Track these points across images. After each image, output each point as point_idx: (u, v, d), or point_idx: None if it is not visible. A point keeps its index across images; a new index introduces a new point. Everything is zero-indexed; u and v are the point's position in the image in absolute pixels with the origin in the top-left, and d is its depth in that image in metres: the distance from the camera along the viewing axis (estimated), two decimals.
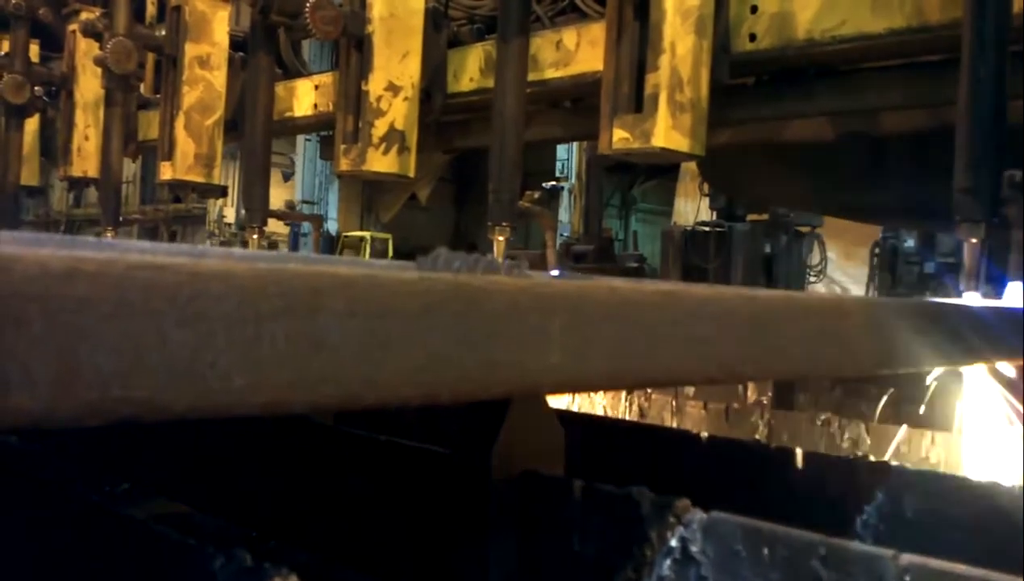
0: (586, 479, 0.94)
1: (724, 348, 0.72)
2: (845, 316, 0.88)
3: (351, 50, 2.53)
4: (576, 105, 2.61)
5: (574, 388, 0.69)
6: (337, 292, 0.46)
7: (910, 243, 8.65)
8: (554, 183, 14.10)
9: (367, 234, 17.67)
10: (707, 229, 9.67)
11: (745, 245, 9.63)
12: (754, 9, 2.03)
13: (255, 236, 2.41)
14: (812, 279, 15.92)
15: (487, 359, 0.53)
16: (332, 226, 19.05)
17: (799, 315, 0.80)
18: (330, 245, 18.78)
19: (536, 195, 2.23)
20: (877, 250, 10.05)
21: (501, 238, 1.84)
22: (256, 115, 2.55)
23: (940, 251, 7.78)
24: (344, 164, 2.56)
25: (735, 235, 9.52)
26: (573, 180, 13.69)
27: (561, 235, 17.52)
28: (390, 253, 18.25)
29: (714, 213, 9.41)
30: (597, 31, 2.30)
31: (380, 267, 0.61)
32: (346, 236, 18.36)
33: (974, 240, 1.29)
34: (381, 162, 2.53)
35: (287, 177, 19.14)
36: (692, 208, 12.12)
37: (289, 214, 11.13)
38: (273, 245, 19.79)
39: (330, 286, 0.46)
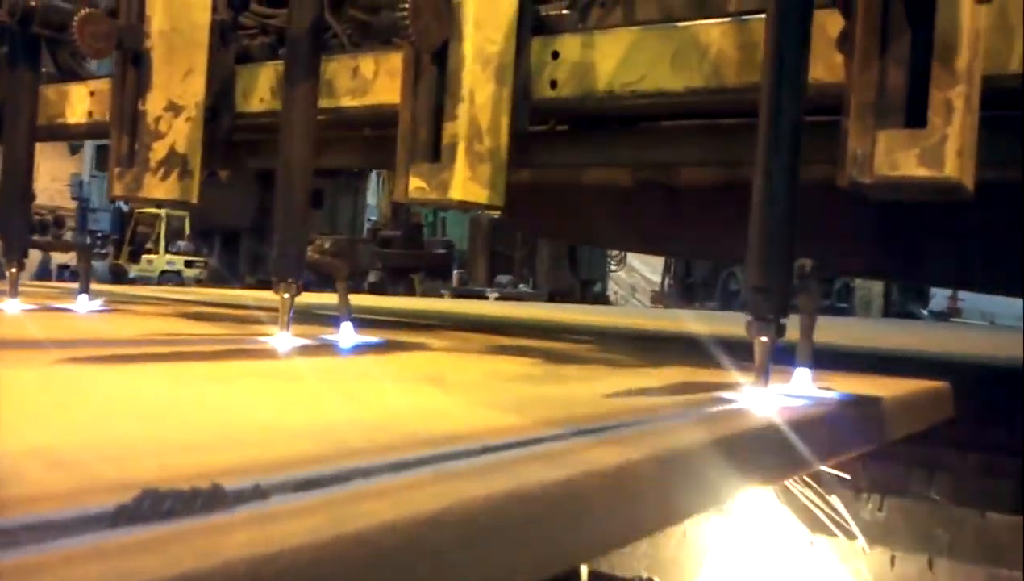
0: None
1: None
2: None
3: (127, 65, 2.31)
4: (376, 134, 2.50)
5: None
6: None
7: None
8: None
9: (163, 212, 16.82)
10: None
11: None
12: (555, 55, 1.98)
13: (13, 269, 2.17)
14: (613, 267, 16.40)
15: None
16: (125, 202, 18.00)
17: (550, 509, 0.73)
18: (121, 222, 17.80)
19: (327, 244, 2.11)
20: None
21: (287, 295, 1.71)
22: (17, 135, 2.30)
23: None
24: (118, 189, 2.34)
25: None
26: None
27: (369, 220, 17.27)
28: (187, 230, 17.48)
29: None
30: (396, 61, 2.19)
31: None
32: (140, 213, 17.40)
33: (764, 339, 1.28)
34: (160, 188, 2.33)
35: (75, 149, 17.98)
36: None
37: (54, 244, 10.37)
38: (60, 221, 18.57)
39: None
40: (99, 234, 17.09)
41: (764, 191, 1.31)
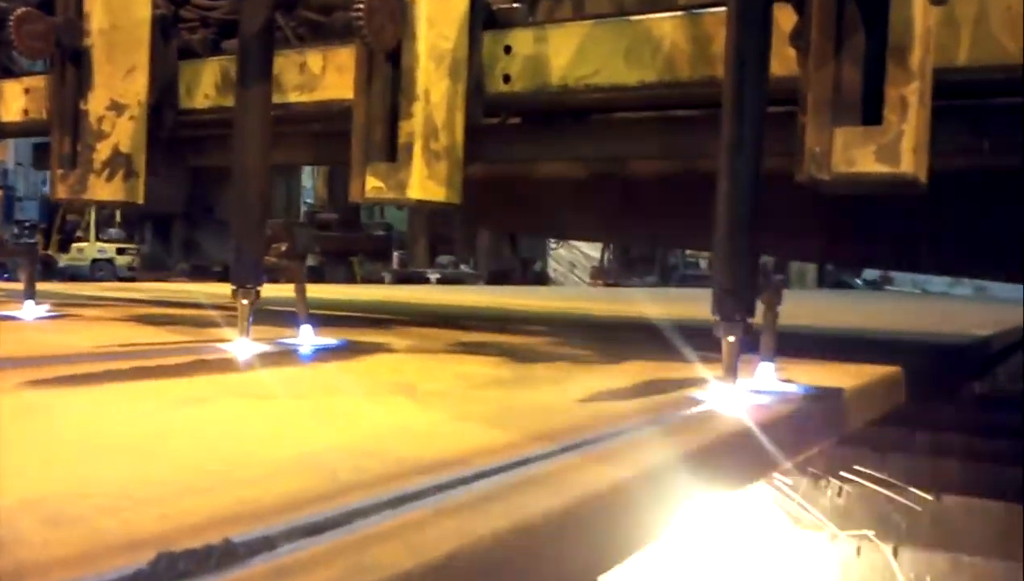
0: None
1: None
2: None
3: (66, 64, 2.25)
4: (325, 129, 2.47)
5: None
6: None
7: None
8: None
9: None
10: None
11: None
12: (508, 49, 1.97)
13: None
14: (554, 246, 16.44)
15: None
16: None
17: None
18: (50, 211, 17.37)
19: (283, 247, 2.07)
20: None
21: (245, 302, 1.69)
22: None
23: None
24: (62, 191, 2.29)
25: None
26: None
27: (306, 202, 17.08)
28: (118, 218, 17.12)
29: None
30: (345, 56, 2.16)
31: None
32: (68, 201, 16.92)
33: (732, 339, 1.29)
34: (104, 189, 2.28)
35: None
36: None
37: None
38: None
39: None
40: (26, 223, 16.68)
41: (728, 193, 1.32)
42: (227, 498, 0.72)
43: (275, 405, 1.17)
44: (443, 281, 11.57)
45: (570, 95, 1.92)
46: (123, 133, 2.31)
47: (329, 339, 1.86)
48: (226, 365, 1.48)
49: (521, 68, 1.97)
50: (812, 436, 1.33)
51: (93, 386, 1.23)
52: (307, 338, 1.83)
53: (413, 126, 1.83)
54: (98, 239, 16.91)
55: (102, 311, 2.52)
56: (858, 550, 1.43)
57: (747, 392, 1.31)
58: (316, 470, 0.83)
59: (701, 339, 1.73)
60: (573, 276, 15.90)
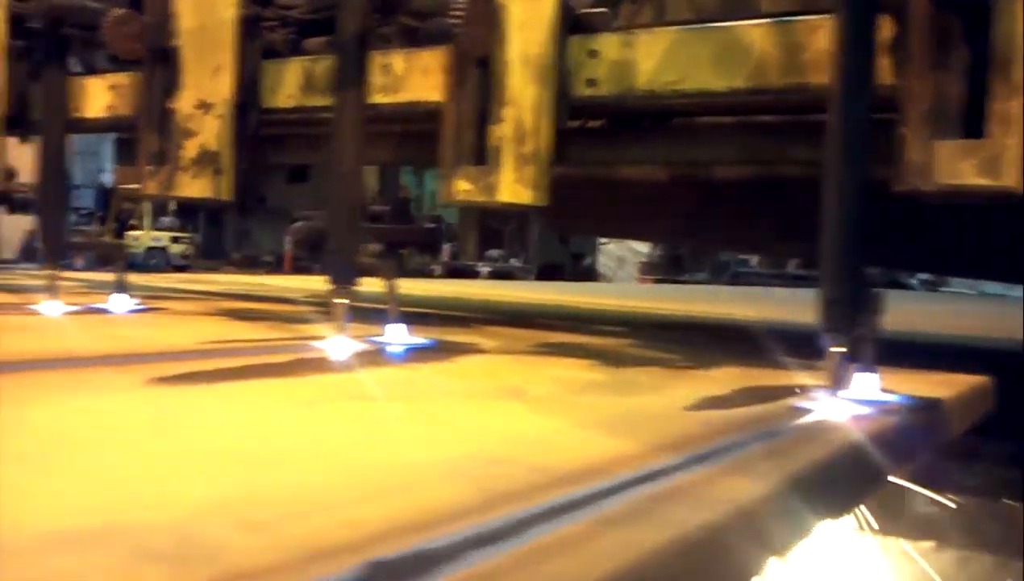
0: None
1: None
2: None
3: (155, 64, 2.31)
4: (406, 129, 2.51)
5: None
6: None
7: None
8: None
9: None
10: None
11: None
12: (593, 53, 1.99)
13: (55, 272, 2.18)
14: (603, 241, 16.38)
15: None
16: (108, 178, 17.96)
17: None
18: (105, 200, 17.65)
19: (379, 248, 2.12)
20: None
21: (342, 301, 1.73)
22: (51, 137, 2.29)
23: None
24: (151, 187, 2.35)
25: None
26: None
27: None
28: (171, 207, 17.34)
29: None
30: (428, 59, 2.19)
31: None
32: (123, 188, 17.20)
33: (838, 349, 1.30)
34: (192, 186, 2.34)
35: None
36: None
37: (92, 245, 10.14)
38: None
39: None
40: (83, 211, 16.96)
41: (835, 204, 1.33)
42: (392, 505, 0.75)
43: (390, 408, 1.20)
44: (493, 275, 11.61)
45: (657, 100, 1.93)
46: (210, 131, 2.36)
47: (419, 338, 1.90)
48: (329, 365, 1.51)
49: (607, 72, 1.98)
50: (917, 446, 1.34)
51: (210, 385, 1.27)
52: (399, 336, 1.87)
53: (503, 130, 1.86)
54: (152, 228, 17.17)
55: (187, 305, 2.58)
56: (960, 560, 1.43)
57: (851, 402, 1.32)
58: (458, 477, 0.85)
59: (784, 342, 1.75)
60: (622, 272, 15.87)
